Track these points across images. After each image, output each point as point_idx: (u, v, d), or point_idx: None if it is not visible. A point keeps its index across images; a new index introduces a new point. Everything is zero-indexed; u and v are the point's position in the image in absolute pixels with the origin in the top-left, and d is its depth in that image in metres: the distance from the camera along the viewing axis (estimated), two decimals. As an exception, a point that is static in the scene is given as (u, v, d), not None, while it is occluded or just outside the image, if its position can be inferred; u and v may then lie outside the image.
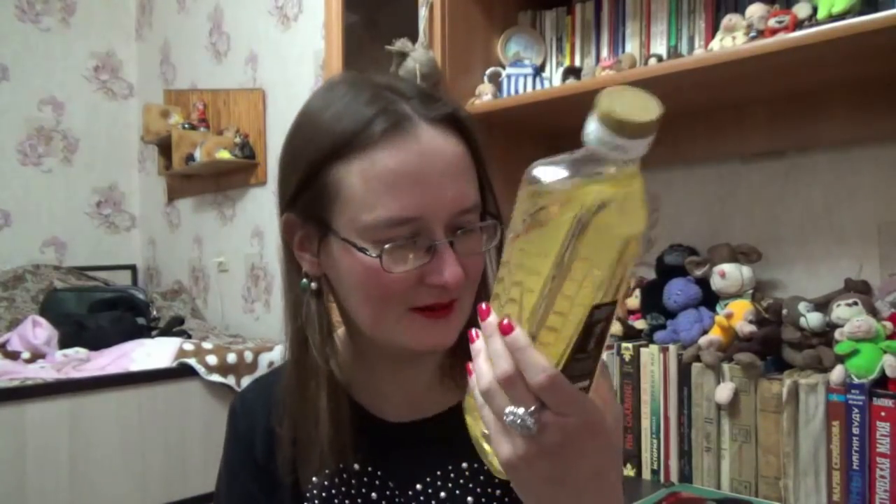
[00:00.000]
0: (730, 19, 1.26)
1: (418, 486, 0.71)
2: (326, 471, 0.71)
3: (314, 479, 0.72)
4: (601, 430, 0.48)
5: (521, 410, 0.45)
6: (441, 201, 0.61)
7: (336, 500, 0.72)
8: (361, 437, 0.70)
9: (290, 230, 0.68)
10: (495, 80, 1.55)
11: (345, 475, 0.72)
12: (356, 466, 0.72)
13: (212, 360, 2.30)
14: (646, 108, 0.41)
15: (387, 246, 0.61)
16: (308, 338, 0.68)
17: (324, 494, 0.72)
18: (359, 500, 0.72)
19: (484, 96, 1.51)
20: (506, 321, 0.46)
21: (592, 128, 0.41)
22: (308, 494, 0.73)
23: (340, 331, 0.73)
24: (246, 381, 2.32)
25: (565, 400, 0.45)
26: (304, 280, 0.68)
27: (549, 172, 0.44)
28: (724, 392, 1.24)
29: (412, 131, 0.62)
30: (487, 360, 0.48)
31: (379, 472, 0.72)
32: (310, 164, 0.64)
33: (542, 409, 0.45)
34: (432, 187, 0.61)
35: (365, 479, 0.72)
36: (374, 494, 0.72)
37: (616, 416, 0.54)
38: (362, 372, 0.74)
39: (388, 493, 0.71)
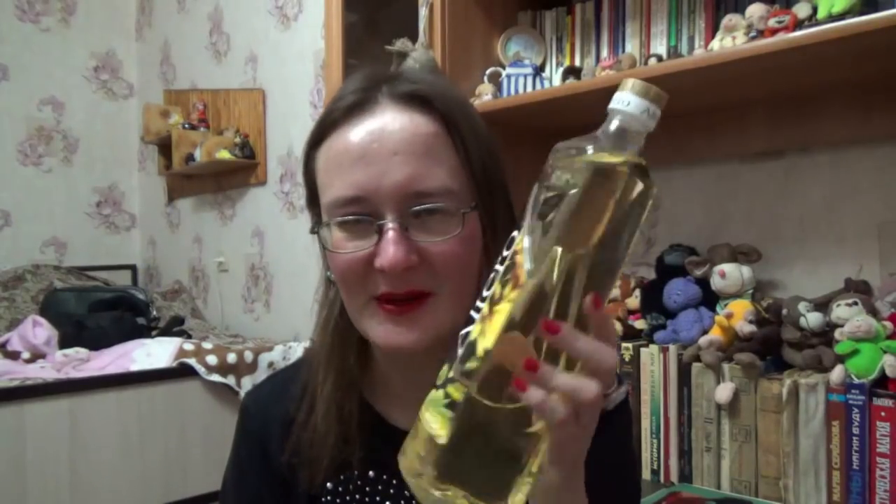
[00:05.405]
0: (730, 19, 1.25)
1: None
2: (341, 476, 0.70)
3: (328, 484, 0.70)
4: None
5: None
6: (388, 180, 0.58)
7: None
8: (376, 444, 0.68)
9: (315, 223, 0.69)
10: (495, 80, 1.55)
11: (359, 482, 0.70)
12: (371, 473, 0.70)
13: (212, 360, 2.29)
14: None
15: (328, 223, 0.60)
16: (326, 330, 0.69)
17: (338, 501, 0.71)
18: None
19: (484, 96, 1.51)
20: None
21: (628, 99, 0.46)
22: (323, 500, 0.71)
23: None
24: (246, 381, 2.32)
25: None
26: (328, 272, 0.68)
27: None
28: (724, 392, 1.24)
29: (371, 110, 0.61)
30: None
31: (394, 481, 0.70)
32: (303, 156, 0.66)
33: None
34: (379, 165, 0.58)
35: (380, 486, 0.70)
36: (388, 503, 0.70)
37: None
38: (376, 376, 0.72)
39: (403, 501, 0.70)
